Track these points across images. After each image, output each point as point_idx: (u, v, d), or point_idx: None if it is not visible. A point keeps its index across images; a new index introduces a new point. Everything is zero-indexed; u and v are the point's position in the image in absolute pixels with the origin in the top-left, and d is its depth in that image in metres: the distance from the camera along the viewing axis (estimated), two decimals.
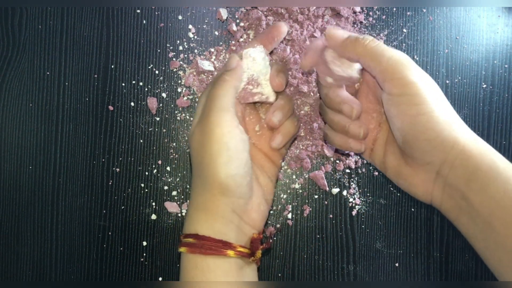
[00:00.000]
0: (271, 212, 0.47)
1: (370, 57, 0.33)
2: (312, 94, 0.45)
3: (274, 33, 0.39)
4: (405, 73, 0.32)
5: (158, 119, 0.47)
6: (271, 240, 0.38)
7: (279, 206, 0.47)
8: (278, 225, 0.47)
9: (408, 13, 0.49)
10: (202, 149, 0.33)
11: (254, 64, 0.38)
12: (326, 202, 0.47)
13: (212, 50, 0.47)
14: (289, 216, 0.47)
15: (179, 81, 0.47)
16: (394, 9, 0.49)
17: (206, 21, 0.47)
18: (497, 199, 0.30)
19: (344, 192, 0.48)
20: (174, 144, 0.47)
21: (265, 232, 0.39)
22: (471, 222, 0.32)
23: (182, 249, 0.34)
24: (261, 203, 0.37)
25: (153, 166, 0.47)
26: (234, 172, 0.33)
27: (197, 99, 0.47)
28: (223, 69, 0.37)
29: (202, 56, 0.47)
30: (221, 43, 0.47)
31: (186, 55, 0.47)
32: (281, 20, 0.45)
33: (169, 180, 0.47)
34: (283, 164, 0.47)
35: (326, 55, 0.36)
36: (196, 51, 0.47)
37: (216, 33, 0.47)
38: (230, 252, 0.33)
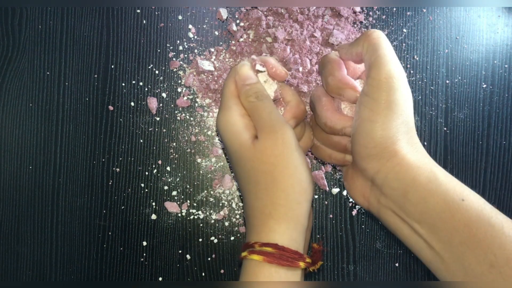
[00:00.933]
0: None
1: (370, 52, 0.34)
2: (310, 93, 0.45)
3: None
4: (379, 70, 0.32)
5: (158, 119, 0.47)
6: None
7: None
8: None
9: (408, 13, 0.49)
10: (283, 161, 0.35)
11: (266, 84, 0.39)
12: (326, 202, 0.47)
13: (212, 50, 0.47)
14: None
15: (179, 81, 0.47)
16: (394, 9, 0.49)
17: (206, 21, 0.47)
18: (438, 211, 0.30)
19: (344, 192, 0.48)
20: (174, 144, 0.47)
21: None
22: (413, 234, 0.32)
23: (256, 257, 0.34)
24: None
25: (153, 166, 0.47)
26: (310, 177, 0.36)
27: (197, 99, 0.47)
28: (241, 81, 0.37)
29: (202, 56, 0.47)
30: (221, 43, 0.47)
31: (186, 55, 0.47)
32: (282, 22, 0.45)
33: (169, 180, 0.47)
34: None
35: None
36: (196, 51, 0.47)
37: (216, 33, 0.47)
38: (302, 264, 0.34)
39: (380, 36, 0.34)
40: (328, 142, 0.39)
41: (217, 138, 0.47)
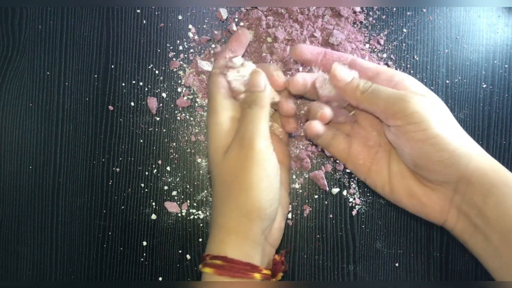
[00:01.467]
0: None
1: (368, 103, 0.35)
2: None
3: (242, 39, 0.41)
4: (404, 107, 0.33)
5: (158, 119, 0.47)
6: (285, 262, 0.39)
7: None
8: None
9: (408, 13, 0.49)
10: (241, 175, 0.34)
11: (244, 69, 0.38)
12: (326, 202, 0.47)
13: (212, 50, 0.47)
14: (289, 216, 0.47)
15: (179, 81, 0.47)
16: (394, 9, 0.49)
17: (206, 21, 0.47)
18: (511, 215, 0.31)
19: (344, 192, 0.48)
20: (174, 144, 0.47)
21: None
22: (486, 241, 0.32)
23: (207, 270, 0.34)
24: (281, 220, 0.39)
25: (153, 166, 0.47)
26: (271, 196, 0.35)
27: (197, 99, 0.47)
28: (248, 87, 0.38)
29: (202, 56, 0.47)
30: (221, 43, 0.47)
31: (186, 55, 0.47)
32: (282, 22, 0.45)
33: (169, 180, 0.47)
34: None
35: (316, 82, 0.38)
36: (196, 51, 0.47)
37: (216, 33, 0.47)
38: (257, 275, 0.34)
39: (372, 87, 0.35)
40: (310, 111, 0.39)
41: None
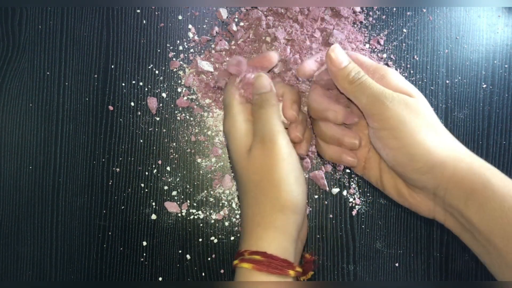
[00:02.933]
0: None
1: (353, 95, 0.35)
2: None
3: (264, 62, 0.40)
4: (381, 109, 0.33)
5: (158, 119, 0.47)
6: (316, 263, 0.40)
7: None
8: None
9: (408, 13, 0.49)
10: (270, 172, 0.35)
11: None
12: (326, 202, 0.47)
13: (212, 50, 0.47)
14: None
15: (179, 81, 0.47)
16: (394, 9, 0.49)
17: (206, 21, 0.47)
18: (494, 217, 0.30)
19: (344, 192, 0.48)
20: (174, 144, 0.47)
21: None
22: (473, 239, 0.32)
23: (246, 265, 0.34)
24: (305, 216, 0.39)
25: (153, 166, 0.47)
26: (301, 189, 0.36)
27: (197, 99, 0.47)
28: (255, 91, 0.38)
29: (202, 56, 0.47)
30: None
31: (186, 55, 0.47)
32: (282, 22, 0.45)
33: (169, 180, 0.47)
34: None
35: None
36: (196, 51, 0.47)
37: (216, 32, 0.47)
38: (291, 272, 0.34)
39: (361, 80, 0.35)
40: (323, 135, 0.39)
41: (217, 138, 0.47)
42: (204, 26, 0.47)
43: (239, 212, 0.39)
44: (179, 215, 0.47)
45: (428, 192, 0.34)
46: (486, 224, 0.30)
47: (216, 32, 0.47)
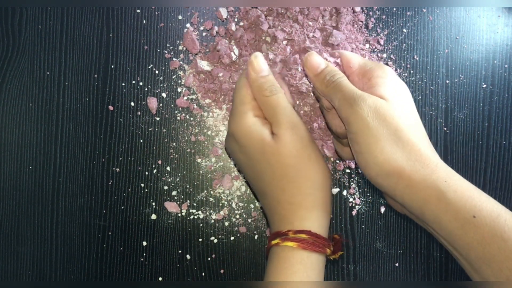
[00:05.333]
0: None
1: (329, 98, 0.37)
2: (312, 94, 0.45)
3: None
4: (348, 113, 0.34)
5: (158, 119, 0.47)
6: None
7: None
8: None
9: (408, 13, 0.49)
10: (304, 154, 0.37)
11: None
12: None
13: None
14: None
15: (179, 81, 0.47)
16: (394, 9, 0.49)
17: (206, 21, 0.47)
18: (452, 229, 0.30)
19: (344, 192, 0.48)
20: (174, 144, 0.47)
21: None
22: (441, 242, 0.33)
23: (290, 244, 0.35)
24: None
25: (153, 166, 0.47)
26: (328, 167, 0.39)
27: (197, 99, 0.47)
28: (255, 73, 0.38)
29: (202, 56, 0.47)
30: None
31: (186, 55, 0.47)
32: (282, 22, 0.45)
33: (169, 180, 0.47)
34: None
35: None
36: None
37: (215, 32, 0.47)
38: (328, 250, 0.36)
39: (336, 81, 0.36)
40: (342, 142, 0.41)
41: (217, 138, 0.47)
42: (204, 26, 0.47)
43: (263, 203, 0.39)
44: (179, 215, 0.47)
45: (390, 195, 0.35)
46: (446, 234, 0.31)
47: (216, 32, 0.47)
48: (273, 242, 0.36)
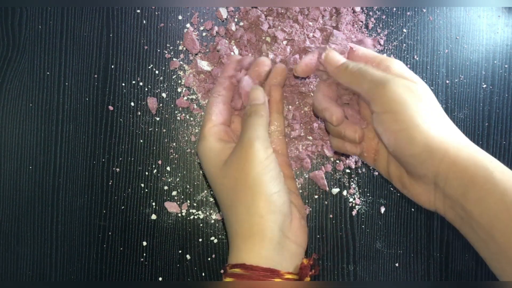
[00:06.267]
0: None
1: (355, 83, 0.36)
2: (312, 94, 0.45)
3: (260, 69, 0.41)
4: (383, 92, 0.33)
5: (158, 119, 0.47)
6: (318, 266, 0.39)
7: None
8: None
9: (408, 13, 0.49)
10: (243, 175, 0.35)
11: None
12: (326, 202, 0.47)
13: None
14: None
15: (179, 81, 0.47)
16: (394, 9, 0.49)
17: (206, 21, 0.47)
18: (495, 211, 0.29)
19: (344, 192, 0.48)
20: (174, 144, 0.47)
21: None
22: (473, 232, 0.32)
23: (230, 279, 0.34)
24: (300, 218, 0.38)
25: (153, 166, 0.47)
26: (278, 188, 0.35)
27: (197, 99, 0.47)
28: (249, 102, 0.39)
29: (201, 55, 0.47)
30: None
31: (186, 55, 0.47)
32: (282, 22, 0.45)
33: (169, 180, 0.47)
34: None
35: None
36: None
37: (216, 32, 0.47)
38: (278, 280, 0.33)
39: (359, 67, 0.36)
40: (329, 130, 0.40)
41: None
42: (204, 25, 0.47)
43: None
44: (179, 215, 0.47)
45: (428, 181, 0.33)
46: (487, 218, 0.30)
47: (216, 32, 0.47)
48: (222, 277, 0.35)
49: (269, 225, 0.34)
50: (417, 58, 0.48)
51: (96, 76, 0.47)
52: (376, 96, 0.34)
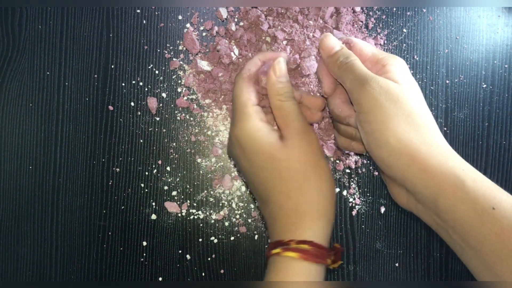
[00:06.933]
0: None
1: (340, 79, 0.36)
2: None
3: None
4: (361, 92, 0.33)
5: (158, 119, 0.47)
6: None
7: None
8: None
9: (408, 13, 0.49)
10: (313, 162, 0.36)
11: None
12: None
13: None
14: None
15: (179, 81, 0.47)
16: (394, 9, 0.49)
17: (206, 21, 0.47)
18: (468, 219, 0.29)
19: (344, 192, 0.48)
20: (174, 144, 0.47)
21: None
22: (449, 237, 0.32)
23: (292, 254, 0.34)
24: None
25: (153, 166, 0.47)
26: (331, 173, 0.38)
27: (197, 99, 0.47)
28: (275, 79, 0.37)
29: (201, 55, 0.47)
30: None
31: (186, 55, 0.47)
32: (282, 22, 0.45)
33: (169, 180, 0.47)
34: None
35: None
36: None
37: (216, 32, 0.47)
38: (329, 261, 0.35)
39: (348, 62, 0.35)
40: (339, 130, 0.41)
41: (217, 138, 0.47)
42: (204, 25, 0.47)
43: (265, 209, 0.38)
44: (179, 215, 0.47)
45: (400, 184, 0.34)
46: (460, 225, 0.30)
47: (216, 32, 0.47)
48: (274, 251, 0.35)
49: (333, 208, 0.37)
50: (417, 58, 0.48)
51: (96, 76, 0.47)
52: (354, 96, 0.34)
